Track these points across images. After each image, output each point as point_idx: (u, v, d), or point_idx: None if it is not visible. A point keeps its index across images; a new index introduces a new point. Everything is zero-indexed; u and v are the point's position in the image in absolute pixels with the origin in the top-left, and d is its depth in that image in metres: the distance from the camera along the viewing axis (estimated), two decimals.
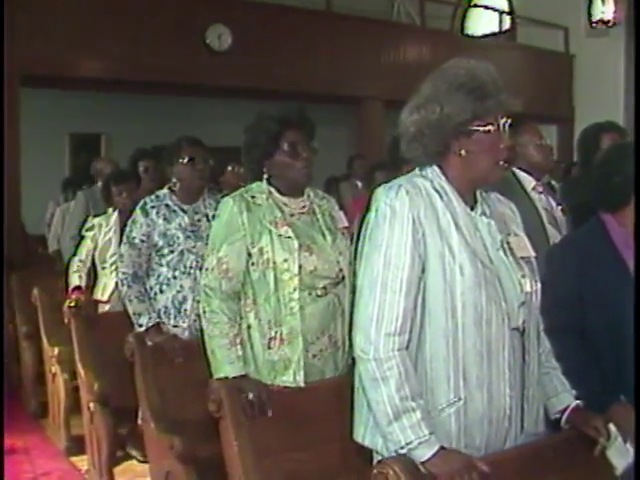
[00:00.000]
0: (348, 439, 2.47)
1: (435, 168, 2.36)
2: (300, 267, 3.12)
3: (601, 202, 2.99)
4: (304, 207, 3.31)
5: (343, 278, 3.21)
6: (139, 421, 3.96)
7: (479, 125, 2.29)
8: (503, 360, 2.28)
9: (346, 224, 3.42)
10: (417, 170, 2.40)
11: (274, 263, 3.13)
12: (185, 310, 4.16)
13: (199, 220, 4.27)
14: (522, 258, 2.41)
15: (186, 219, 4.23)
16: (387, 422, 2.18)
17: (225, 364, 3.06)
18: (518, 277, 2.35)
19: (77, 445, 5.33)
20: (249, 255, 3.16)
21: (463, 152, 2.32)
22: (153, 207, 4.22)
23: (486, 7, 14.81)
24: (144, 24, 9.23)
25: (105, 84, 9.77)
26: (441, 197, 2.31)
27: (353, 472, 2.79)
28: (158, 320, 4.13)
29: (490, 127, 2.29)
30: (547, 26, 13.72)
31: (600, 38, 13.09)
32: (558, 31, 14.02)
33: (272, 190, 3.26)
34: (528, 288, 2.37)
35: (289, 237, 3.15)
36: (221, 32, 9.90)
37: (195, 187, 4.30)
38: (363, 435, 2.40)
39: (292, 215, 3.25)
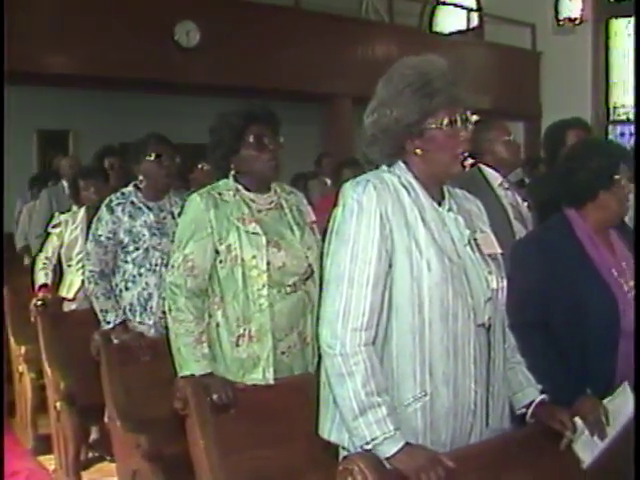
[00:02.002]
0: (315, 435, 2.46)
1: (402, 164, 2.37)
2: (268, 263, 3.12)
3: (567, 197, 3.01)
4: (271, 203, 3.31)
5: (312, 273, 3.22)
6: (105, 419, 3.94)
7: (430, 123, 2.30)
8: (469, 356, 2.29)
9: (314, 218, 3.42)
10: (384, 166, 2.40)
11: (242, 260, 3.12)
12: (151, 307, 4.16)
13: (164, 218, 4.26)
14: (489, 255, 2.42)
15: (151, 216, 4.22)
16: (353, 417, 2.17)
17: (191, 362, 3.05)
18: (485, 273, 2.36)
19: (44, 444, 5.29)
20: (217, 252, 3.15)
21: (419, 151, 2.33)
22: (118, 204, 4.20)
23: (454, 5, 14.85)
24: (112, 20, 9.16)
25: (73, 80, 9.70)
26: (408, 192, 2.31)
27: (320, 469, 2.78)
28: (125, 317, 4.12)
29: (442, 123, 2.29)
30: (514, 23, 13.80)
31: (567, 35, 13.17)
32: (525, 28, 14.11)
33: (239, 187, 3.26)
34: (494, 285, 2.37)
35: (257, 233, 3.15)
36: (189, 29, 9.85)
37: (161, 185, 4.29)
38: (329, 431, 2.39)
39: (260, 211, 3.25)
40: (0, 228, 7.25)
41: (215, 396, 2.92)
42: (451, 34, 15.04)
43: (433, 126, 2.30)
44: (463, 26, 15.07)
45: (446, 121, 2.30)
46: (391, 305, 2.25)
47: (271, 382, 3.12)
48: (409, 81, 2.28)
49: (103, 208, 4.22)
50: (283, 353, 3.17)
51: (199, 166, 6.08)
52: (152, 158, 4.21)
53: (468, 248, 2.36)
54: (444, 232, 2.32)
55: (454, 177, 2.41)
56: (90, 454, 5.07)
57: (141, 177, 4.27)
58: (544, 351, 2.75)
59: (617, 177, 2.94)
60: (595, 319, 2.79)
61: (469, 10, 14.93)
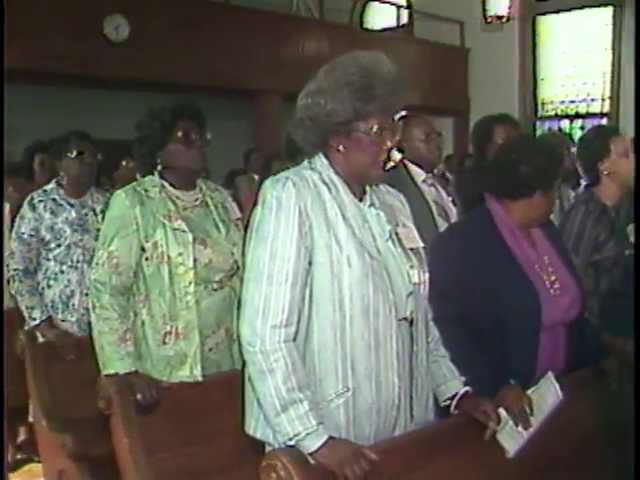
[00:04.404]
0: (242, 432, 2.46)
1: (323, 160, 2.37)
2: (195, 260, 3.12)
3: (502, 189, 2.98)
4: (197, 200, 3.30)
5: (238, 269, 3.21)
6: (30, 419, 3.89)
7: (359, 126, 2.30)
8: (391, 350, 2.31)
9: (239, 215, 3.43)
10: (306, 162, 2.41)
11: (168, 257, 3.11)
12: (73, 304, 4.16)
13: (86, 214, 4.27)
14: (411, 249, 2.44)
15: (73, 213, 4.22)
16: (275, 414, 2.18)
17: (115, 360, 3.02)
18: (406, 268, 2.38)
19: None
20: (143, 250, 3.13)
21: (341, 148, 2.34)
22: (40, 201, 4.20)
23: (384, 1, 14.94)
24: (41, 14, 9.01)
25: None
26: (329, 189, 2.32)
27: (248, 465, 2.77)
28: (50, 314, 4.11)
29: (370, 129, 2.30)
30: (443, 20, 13.92)
31: (495, 32, 13.35)
32: (454, 25, 14.23)
33: (164, 184, 3.24)
34: (416, 279, 2.39)
35: (183, 230, 3.14)
36: (119, 23, 9.73)
37: (83, 181, 4.31)
38: (255, 428, 2.39)
39: (185, 208, 3.24)
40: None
41: (139, 396, 2.91)
42: (382, 31, 15.14)
43: (361, 129, 2.30)
44: (393, 23, 15.20)
45: (375, 128, 2.30)
46: (312, 301, 2.26)
47: (199, 379, 3.11)
48: (350, 80, 2.27)
49: (25, 205, 4.21)
50: (210, 350, 3.17)
51: (123, 163, 6.02)
52: (73, 155, 4.24)
53: (390, 243, 2.38)
54: (365, 228, 2.33)
55: (372, 181, 2.42)
56: (19, 455, 5.01)
57: (62, 174, 4.29)
58: (466, 342, 2.75)
59: (555, 182, 2.98)
60: (516, 312, 2.81)
61: (399, 7, 15.03)
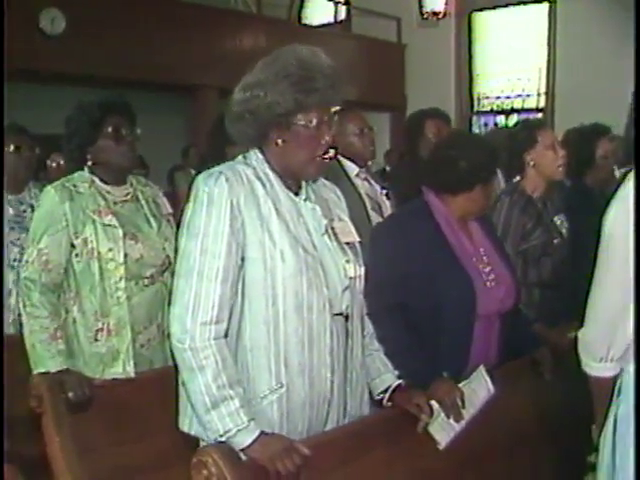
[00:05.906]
0: (176, 429, 2.44)
1: (259, 154, 2.36)
2: (126, 256, 3.11)
3: (442, 184, 3.02)
4: (127, 195, 3.28)
5: (170, 264, 3.20)
6: None
7: (299, 118, 2.29)
8: (325, 346, 2.31)
9: (170, 210, 3.41)
10: (240, 157, 2.40)
11: (99, 253, 3.09)
12: (9, 305, 4.03)
13: (24, 211, 4.17)
14: (347, 243, 2.44)
15: (10, 210, 4.12)
16: (205, 411, 2.17)
17: (46, 359, 2.99)
18: (342, 262, 2.38)
19: None
20: (72, 246, 3.11)
21: (280, 141, 2.32)
22: None
23: None
24: None
25: None
26: (263, 184, 2.31)
27: (184, 462, 2.76)
28: None
29: (310, 122, 2.29)
30: (380, 16, 13.98)
31: (431, 28, 13.44)
32: (391, 21, 14.30)
33: (94, 179, 3.22)
34: (352, 273, 2.40)
35: (113, 226, 3.13)
36: (54, 16, 9.60)
37: (21, 177, 4.21)
38: (189, 425, 2.38)
39: (116, 203, 3.22)
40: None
41: (71, 394, 2.87)
42: (319, 26, 15.15)
43: (301, 122, 2.29)
44: (331, 19, 15.25)
45: (315, 121, 2.30)
46: (244, 297, 2.26)
47: (132, 375, 3.10)
48: (291, 72, 2.26)
49: None
50: (142, 346, 3.16)
51: (47, 161, 5.95)
52: (11, 150, 4.13)
53: (326, 237, 2.38)
54: (299, 223, 2.33)
55: (308, 178, 2.41)
56: None
57: None
58: (401, 335, 2.79)
59: (493, 176, 3.03)
60: (452, 303, 2.85)
61: (337, 3, 15.06)
